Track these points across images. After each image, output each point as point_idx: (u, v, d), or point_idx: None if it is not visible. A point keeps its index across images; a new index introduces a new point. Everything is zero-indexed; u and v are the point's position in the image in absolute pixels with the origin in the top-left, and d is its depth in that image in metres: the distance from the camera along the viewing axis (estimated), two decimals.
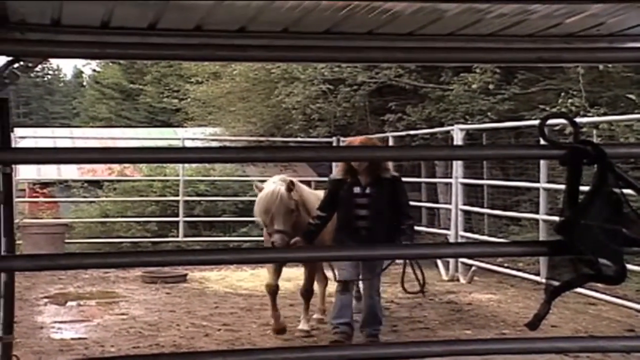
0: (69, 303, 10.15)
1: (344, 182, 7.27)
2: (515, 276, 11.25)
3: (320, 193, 8.28)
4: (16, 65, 3.16)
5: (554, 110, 12.98)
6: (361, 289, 7.83)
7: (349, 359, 2.57)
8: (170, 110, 29.32)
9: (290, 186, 7.63)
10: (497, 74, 14.83)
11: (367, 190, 7.20)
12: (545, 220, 10.39)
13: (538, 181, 10.66)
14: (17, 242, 11.42)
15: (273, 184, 7.75)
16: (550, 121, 3.62)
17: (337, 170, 7.89)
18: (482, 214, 14.08)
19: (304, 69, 17.25)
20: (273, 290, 7.96)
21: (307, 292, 8.15)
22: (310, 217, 7.68)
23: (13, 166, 7.79)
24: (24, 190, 19.80)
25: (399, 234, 7.17)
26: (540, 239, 10.07)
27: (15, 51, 2.67)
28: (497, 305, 10.04)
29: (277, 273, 8.03)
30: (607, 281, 3.20)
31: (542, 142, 3.27)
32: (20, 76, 2.83)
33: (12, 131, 8.03)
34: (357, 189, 7.22)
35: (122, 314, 9.30)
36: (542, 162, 10.33)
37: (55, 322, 8.87)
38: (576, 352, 6.13)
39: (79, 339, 8.02)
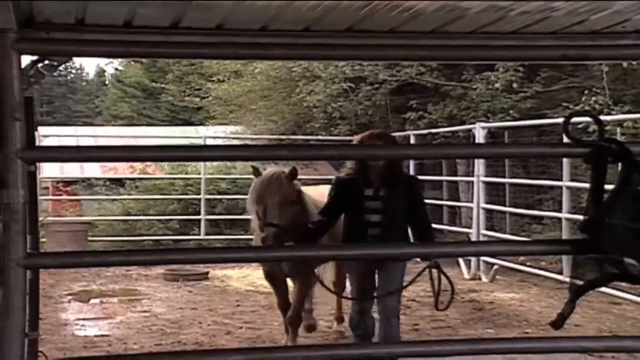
0: (92, 300, 10.22)
1: (353, 183, 6.05)
2: (537, 275, 11.17)
3: (324, 189, 7.11)
4: (41, 64, 3.18)
5: (577, 108, 12.89)
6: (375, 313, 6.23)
7: (371, 357, 2.57)
8: (191, 108, 29.44)
9: (294, 172, 6.41)
10: (519, 72, 14.75)
11: (381, 193, 5.95)
12: (568, 219, 10.31)
13: (561, 179, 10.58)
14: (41, 240, 11.51)
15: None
16: (574, 119, 3.60)
17: (345, 169, 6.67)
18: (504, 213, 14.00)
19: (325, 68, 17.24)
20: (285, 310, 7.03)
21: (295, 318, 6.94)
22: (310, 218, 6.49)
23: (37, 164, 7.86)
24: (48, 188, 19.97)
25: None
26: (563, 237, 10.00)
27: (40, 50, 2.70)
28: (520, 304, 9.98)
29: (285, 287, 7.16)
30: (632, 280, 3.18)
31: (565, 140, 3.25)
32: (45, 75, 2.86)
33: (37, 130, 8.09)
34: (368, 191, 5.96)
35: (145, 311, 9.35)
36: (565, 160, 10.24)
37: (79, 319, 8.94)
38: (601, 351, 6.07)
39: (102, 336, 8.08)
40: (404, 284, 6.04)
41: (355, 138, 6.38)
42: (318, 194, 7.05)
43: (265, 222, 6.10)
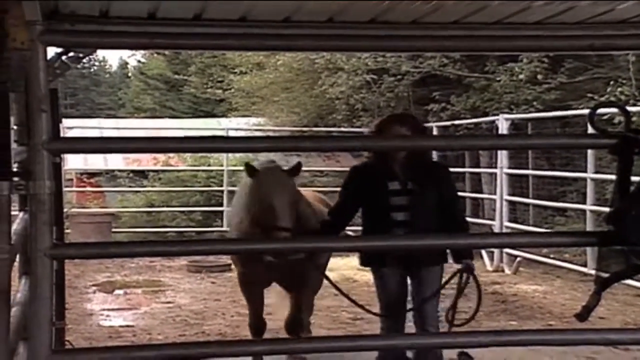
0: (117, 291, 10.31)
1: (373, 174, 5.10)
2: (561, 267, 11.11)
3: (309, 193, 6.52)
4: (66, 56, 3.21)
5: (602, 99, 12.76)
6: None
7: (396, 348, 2.57)
8: (214, 100, 29.47)
9: (299, 167, 5.45)
10: (544, 63, 14.62)
11: (409, 186, 5.02)
12: (592, 211, 10.24)
13: (585, 171, 10.50)
14: (66, 231, 11.61)
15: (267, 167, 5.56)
16: (599, 110, 3.56)
17: (365, 157, 5.72)
18: (527, 205, 13.92)
19: (347, 59, 17.19)
20: (260, 329, 6.09)
21: (295, 322, 6.16)
22: (310, 218, 5.64)
23: (61, 156, 7.92)
24: (72, 180, 20.10)
25: (459, 252, 5.08)
26: (588, 230, 9.93)
27: (65, 42, 2.71)
28: (543, 296, 9.93)
29: (260, 305, 6.09)
30: None
31: (590, 131, 3.22)
32: (70, 67, 2.88)
33: (61, 122, 8.14)
34: (393, 185, 5.02)
35: (168, 302, 9.41)
36: (589, 152, 10.17)
37: (104, 309, 9.03)
38: (626, 344, 6.02)
39: (127, 326, 8.15)
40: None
41: (373, 123, 5.46)
42: (313, 196, 6.50)
43: (275, 226, 4.97)
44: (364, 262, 5.34)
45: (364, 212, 5.21)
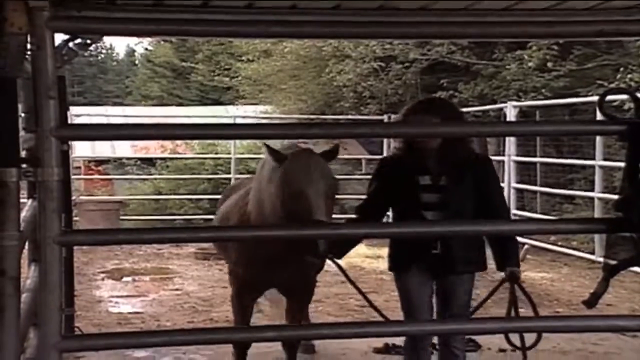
0: (125, 278, 10.35)
1: (403, 167, 4.51)
2: (569, 255, 11.10)
3: None
4: (73, 42, 3.21)
5: (612, 86, 12.69)
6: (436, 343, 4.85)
7: (408, 334, 2.57)
8: (221, 88, 29.45)
9: (336, 150, 4.85)
10: (552, 50, 14.55)
11: (442, 182, 4.43)
12: (600, 199, 10.22)
13: (593, 159, 10.47)
14: (74, 218, 11.65)
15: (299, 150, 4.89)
16: (609, 97, 3.55)
17: (393, 148, 5.08)
18: (535, 192, 13.89)
19: (355, 47, 17.14)
20: (247, 346, 5.28)
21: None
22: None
23: (69, 144, 7.94)
24: (79, 168, 20.16)
25: (504, 258, 4.57)
26: (596, 217, 9.91)
27: (73, 28, 2.71)
28: (550, 283, 9.92)
29: (249, 319, 5.37)
30: None
31: (599, 117, 3.21)
32: (78, 53, 2.87)
33: (68, 109, 8.15)
34: (424, 179, 4.44)
35: (176, 289, 9.44)
36: (598, 139, 10.14)
37: (113, 296, 9.07)
38: (634, 330, 6.03)
39: (136, 313, 8.19)
40: (472, 303, 4.72)
41: (402, 110, 4.75)
42: None
43: (310, 219, 4.19)
44: (390, 266, 4.67)
45: (393, 209, 4.69)
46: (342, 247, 4.53)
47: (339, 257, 4.56)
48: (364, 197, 4.86)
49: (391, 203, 4.63)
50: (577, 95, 13.65)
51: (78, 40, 3.23)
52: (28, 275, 4.31)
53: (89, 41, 3.10)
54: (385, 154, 13.95)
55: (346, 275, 4.66)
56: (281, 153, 4.65)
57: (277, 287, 5.37)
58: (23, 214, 3.54)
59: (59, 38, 2.91)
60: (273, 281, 5.18)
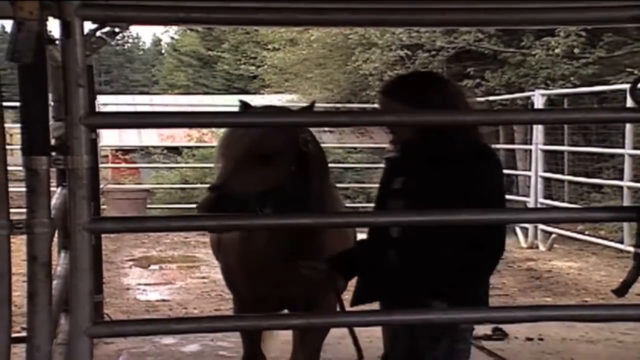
0: (152, 266, 10.43)
1: (389, 167, 3.55)
2: (596, 244, 11.02)
3: None
4: (102, 31, 3.22)
5: None
6: None
7: (432, 324, 2.57)
8: (247, 77, 29.53)
9: (312, 108, 3.86)
10: (581, 37, 14.39)
11: (412, 186, 3.25)
12: (629, 187, 10.12)
13: (622, 147, 10.37)
14: (102, 207, 11.76)
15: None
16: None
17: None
18: (562, 181, 13.79)
19: (381, 34, 17.08)
20: None
21: None
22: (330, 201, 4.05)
23: (97, 132, 8.00)
24: (107, 156, 20.32)
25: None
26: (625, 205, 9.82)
27: (102, 16, 2.71)
28: (578, 273, 9.86)
29: (259, 334, 4.50)
30: None
31: (630, 105, 3.16)
32: (107, 41, 2.88)
33: (96, 98, 8.22)
34: (397, 182, 3.34)
35: (203, 277, 9.50)
36: (627, 127, 10.04)
37: (140, 284, 9.16)
38: None
39: (163, 300, 8.26)
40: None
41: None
42: None
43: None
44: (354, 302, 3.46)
45: None
46: (349, 265, 3.50)
47: (346, 277, 3.65)
48: None
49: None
50: (606, 83, 13.50)
51: (106, 29, 3.24)
52: (58, 262, 4.36)
53: (117, 30, 3.10)
54: None
55: (341, 304, 3.63)
56: (250, 106, 3.83)
57: (289, 308, 4.25)
58: (53, 201, 3.57)
59: (87, 26, 2.92)
60: (282, 299, 4.14)
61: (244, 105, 3.82)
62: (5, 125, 2.50)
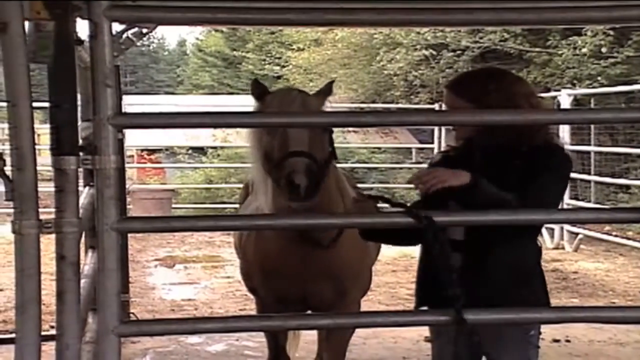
0: (177, 266, 10.48)
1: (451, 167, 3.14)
2: (624, 245, 10.91)
3: None
4: (129, 32, 3.25)
5: None
6: None
7: (456, 323, 2.55)
8: (271, 77, 29.57)
9: (330, 89, 4.07)
10: (609, 36, 14.25)
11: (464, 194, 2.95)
12: None
13: None
14: (127, 207, 11.83)
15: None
16: None
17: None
18: (589, 182, 13.67)
19: (406, 34, 17.05)
20: None
21: None
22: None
23: (123, 132, 8.05)
24: (132, 156, 20.45)
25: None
26: None
27: (130, 17, 2.73)
28: (605, 274, 9.76)
29: (284, 334, 4.51)
30: None
31: None
32: (134, 42, 2.90)
33: (122, 98, 8.27)
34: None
35: (228, 277, 9.52)
36: None
37: (165, 283, 9.20)
38: None
39: (189, 300, 8.29)
40: None
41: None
42: None
43: (288, 153, 3.60)
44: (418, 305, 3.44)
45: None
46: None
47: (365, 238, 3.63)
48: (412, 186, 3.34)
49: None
50: (634, 82, 13.36)
51: (134, 30, 3.27)
52: (86, 262, 4.39)
53: (144, 30, 3.12)
54: (435, 143, 13.83)
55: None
56: (264, 87, 3.96)
57: (312, 309, 4.10)
58: (80, 201, 3.60)
59: (115, 27, 2.94)
60: (304, 298, 4.02)
61: (257, 83, 3.93)
62: (35, 125, 2.51)
